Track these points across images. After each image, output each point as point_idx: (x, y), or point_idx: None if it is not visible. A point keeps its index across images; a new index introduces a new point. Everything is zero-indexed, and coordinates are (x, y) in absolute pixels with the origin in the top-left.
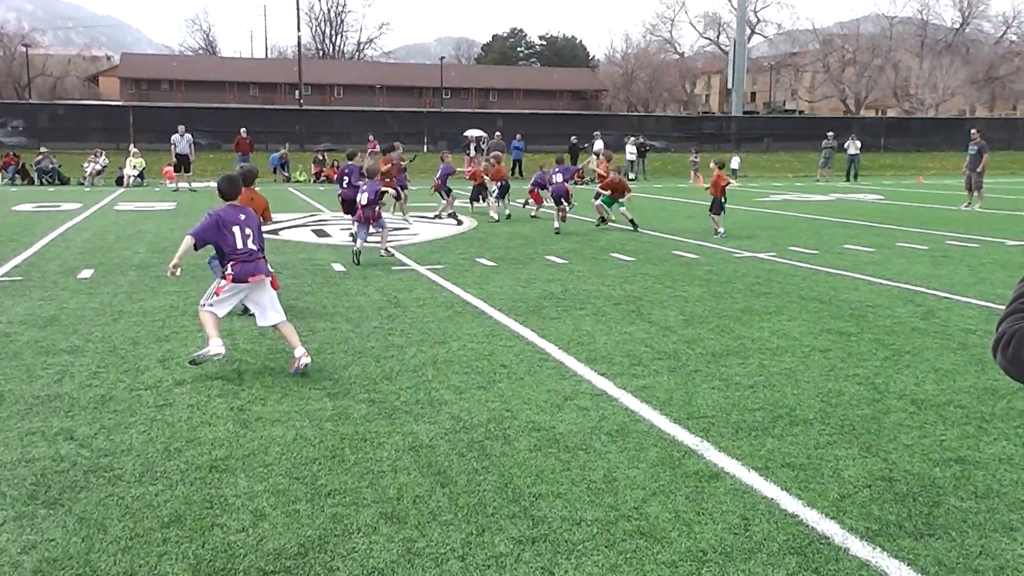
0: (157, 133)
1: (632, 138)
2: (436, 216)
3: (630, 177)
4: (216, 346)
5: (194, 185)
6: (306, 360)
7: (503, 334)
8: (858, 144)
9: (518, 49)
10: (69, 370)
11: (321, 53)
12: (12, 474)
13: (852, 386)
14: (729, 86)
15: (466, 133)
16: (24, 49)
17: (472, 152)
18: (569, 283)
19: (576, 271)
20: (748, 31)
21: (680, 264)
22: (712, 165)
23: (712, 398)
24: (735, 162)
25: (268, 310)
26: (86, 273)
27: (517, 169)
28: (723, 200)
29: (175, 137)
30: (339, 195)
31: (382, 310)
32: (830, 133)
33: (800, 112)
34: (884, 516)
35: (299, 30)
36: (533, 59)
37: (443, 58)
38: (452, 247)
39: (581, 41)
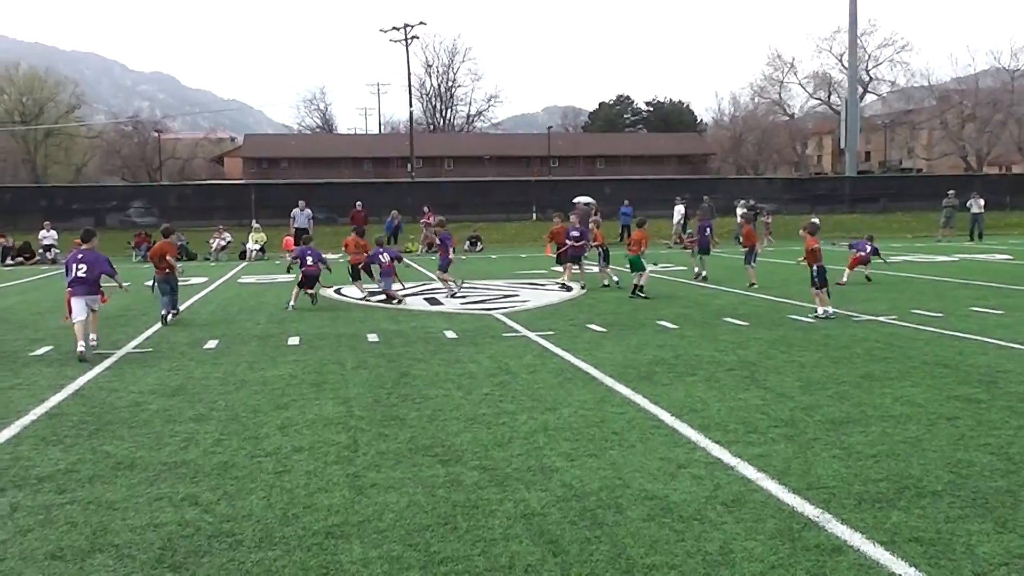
0: (276, 209)
1: (742, 201)
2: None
3: (740, 240)
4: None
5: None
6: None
7: (614, 400)
8: (981, 202)
9: (624, 116)
10: (194, 437)
11: (432, 127)
12: (141, 538)
13: (984, 456)
14: (842, 146)
15: (574, 200)
16: (156, 135)
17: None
18: (681, 348)
19: (688, 336)
20: (860, 90)
21: (796, 328)
22: (802, 232)
23: (832, 467)
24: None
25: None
26: (211, 344)
27: (626, 234)
28: (821, 271)
29: (295, 211)
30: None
31: (493, 377)
32: (951, 191)
33: (918, 170)
34: None
35: (411, 106)
36: (640, 125)
37: (550, 127)
38: (562, 313)
39: (688, 105)
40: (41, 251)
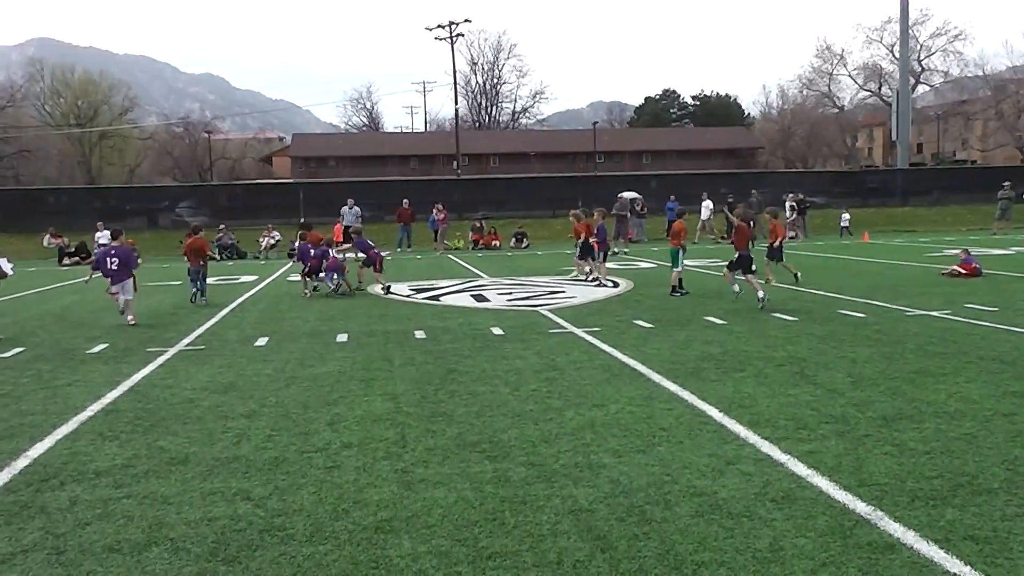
0: (324, 207)
1: (791, 195)
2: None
3: (789, 235)
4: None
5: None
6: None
7: (662, 396)
8: None
9: (671, 110)
10: (246, 433)
11: (478, 124)
12: (195, 532)
13: None
14: (893, 138)
15: (620, 195)
16: (207, 135)
17: (628, 215)
18: (729, 344)
19: (736, 332)
20: (912, 81)
21: (846, 323)
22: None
23: (885, 464)
24: (845, 219)
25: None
26: (261, 341)
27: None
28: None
29: (344, 209)
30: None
31: (540, 373)
32: (1007, 183)
33: (972, 162)
34: None
35: (456, 103)
36: (686, 119)
37: (596, 123)
38: (608, 309)
39: (735, 99)
40: (97, 250)
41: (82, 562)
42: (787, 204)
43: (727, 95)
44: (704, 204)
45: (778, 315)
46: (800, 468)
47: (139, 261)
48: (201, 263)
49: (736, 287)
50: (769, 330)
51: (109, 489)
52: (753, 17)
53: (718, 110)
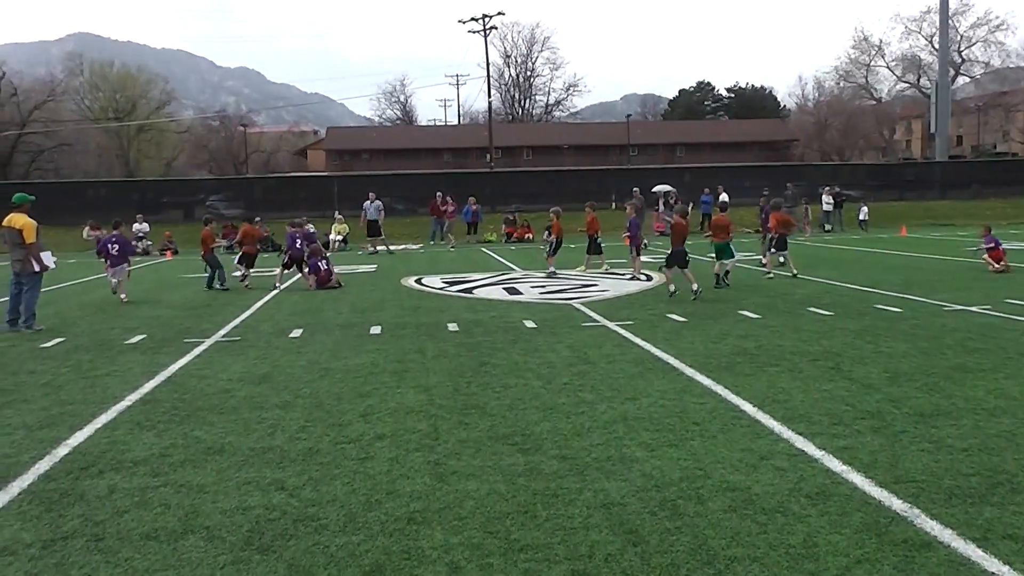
0: (358, 200)
1: (827, 188)
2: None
3: (826, 228)
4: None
5: (392, 248)
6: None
7: (695, 391)
8: None
9: (705, 103)
10: (280, 424)
11: (511, 117)
12: (231, 521)
13: None
14: (932, 131)
15: (654, 189)
16: (242, 129)
17: (660, 207)
18: (763, 338)
19: (770, 326)
20: (952, 72)
21: (882, 318)
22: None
23: (922, 461)
24: (863, 212)
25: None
26: (296, 332)
27: (707, 223)
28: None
29: (365, 204)
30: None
31: (572, 366)
32: None
33: (1013, 154)
34: None
35: (489, 96)
36: (721, 112)
37: (629, 116)
38: (641, 302)
39: (770, 91)
40: (135, 242)
41: (120, 549)
42: (823, 198)
43: (762, 87)
44: (721, 197)
45: (813, 309)
46: (835, 464)
47: (137, 248)
48: (213, 251)
49: (672, 287)
50: (804, 324)
51: (146, 478)
52: (789, 7)
53: (753, 102)
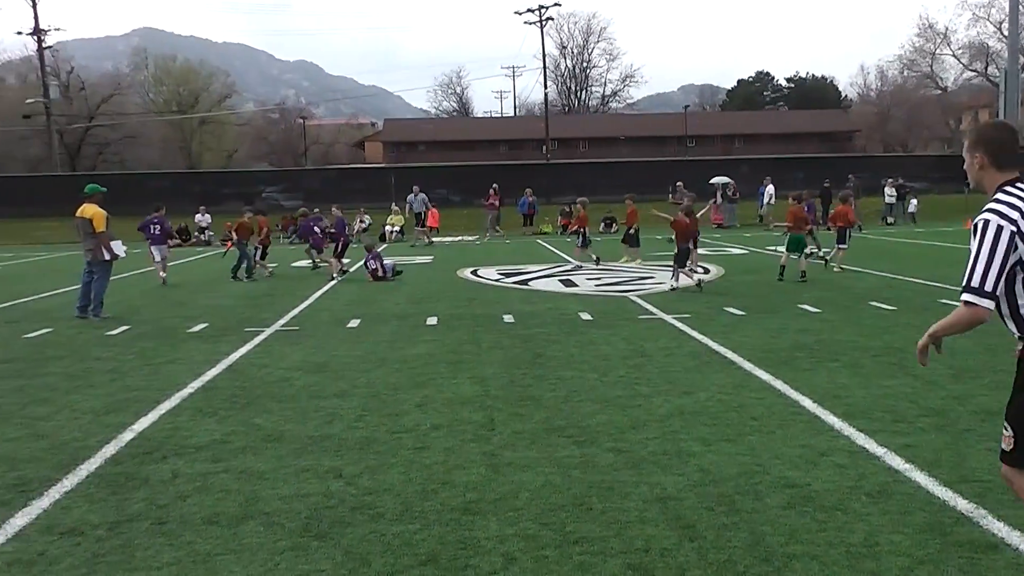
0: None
1: (890, 180)
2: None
3: (888, 221)
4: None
5: (447, 240)
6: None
7: (752, 385)
8: None
9: (764, 93)
10: (338, 413)
11: (567, 108)
12: (289, 507)
13: None
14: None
15: (711, 181)
16: (301, 121)
17: (718, 199)
18: (823, 333)
19: (830, 320)
20: (1022, 60)
21: (947, 313)
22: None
23: (988, 460)
24: (913, 204)
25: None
26: (353, 323)
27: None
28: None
29: (410, 197)
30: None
31: (628, 359)
32: None
33: None
34: None
35: (545, 88)
36: (780, 102)
37: (687, 106)
38: (698, 295)
39: (831, 81)
40: (197, 233)
41: (182, 533)
42: (885, 190)
43: (823, 77)
44: (767, 189)
45: (874, 304)
46: (897, 462)
47: (173, 231)
48: (243, 243)
49: (674, 282)
50: (865, 319)
51: (207, 463)
52: None
53: (813, 93)
